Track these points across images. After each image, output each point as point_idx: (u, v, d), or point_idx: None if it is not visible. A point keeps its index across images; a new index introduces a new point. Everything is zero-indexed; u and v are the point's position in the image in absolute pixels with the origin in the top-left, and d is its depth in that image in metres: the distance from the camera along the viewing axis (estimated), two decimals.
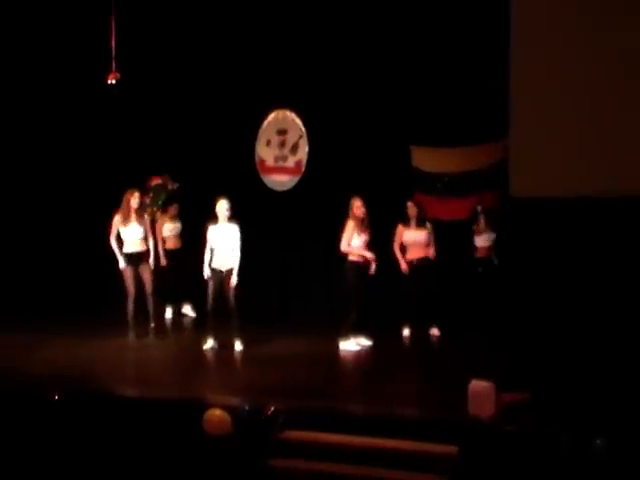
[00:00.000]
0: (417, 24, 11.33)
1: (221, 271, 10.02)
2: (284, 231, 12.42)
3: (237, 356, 9.91)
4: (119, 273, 10.66)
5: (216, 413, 7.19)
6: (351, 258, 10.11)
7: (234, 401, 7.73)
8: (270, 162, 12.80)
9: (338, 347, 10.05)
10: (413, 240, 10.74)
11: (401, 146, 11.72)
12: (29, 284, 12.88)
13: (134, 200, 10.55)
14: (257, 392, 8.09)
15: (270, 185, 12.75)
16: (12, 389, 8.17)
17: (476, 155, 11.34)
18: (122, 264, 10.56)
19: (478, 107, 10.99)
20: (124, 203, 10.54)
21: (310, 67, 11.97)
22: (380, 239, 10.47)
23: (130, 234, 10.54)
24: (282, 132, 12.72)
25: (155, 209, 12.57)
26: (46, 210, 13.21)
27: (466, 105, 11.21)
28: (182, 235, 12.39)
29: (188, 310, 12.53)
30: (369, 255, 10.09)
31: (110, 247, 10.58)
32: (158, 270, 11.34)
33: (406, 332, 10.76)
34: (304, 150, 12.55)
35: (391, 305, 11.08)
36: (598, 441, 6.27)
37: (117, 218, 10.54)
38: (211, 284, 10.06)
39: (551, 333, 9.17)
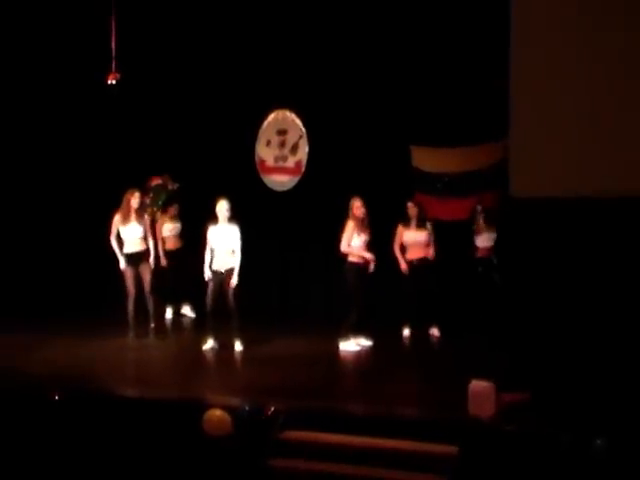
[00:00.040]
0: (417, 24, 11.33)
1: (221, 272, 10.02)
2: (284, 231, 12.42)
3: (237, 356, 9.91)
4: (119, 273, 10.66)
5: (216, 413, 7.19)
6: (351, 258, 10.11)
7: (234, 401, 7.73)
8: (270, 162, 12.80)
9: (338, 347, 10.04)
10: (413, 240, 10.73)
11: (401, 146, 11.72)
12: (29, 284, 12.87)
13: (134, 200, 10.55)
14: (257, 392, 8.09)
15: (270, 185, 12.75)
16: (12, 389, 8.17)
17: (476, 155, 11.34)
18: (122, 264, 10.57)
19: (478, 107, 10.99)
20: (124, 203, 10.54)
21: (310, 67, 11.97)
22: (380, 239, 10.46)
23: (130, 234, 10.54)
24: (282, 132, 12.72)
25: (155, 209, 12.57)
26: (46, 210, 13.21)
27: (466, 105, 11.20)
28: (182, 235, 12.38)
29: (187, 310, 12.52)
30: (369, 256, 10.09)
31: (110, 247, 10.58)
32: (158, 270, 11.34)
33: (406, 332, 10.75)
34: (304, 150, 12.55)
35: (391, 305, 11.07)
36: (598, 441, 6.27)
37: (117, 217, 10.54)
38: (211, 285, 10.06)
39: (551, 333, 9.18)
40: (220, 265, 10.02)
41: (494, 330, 9.89)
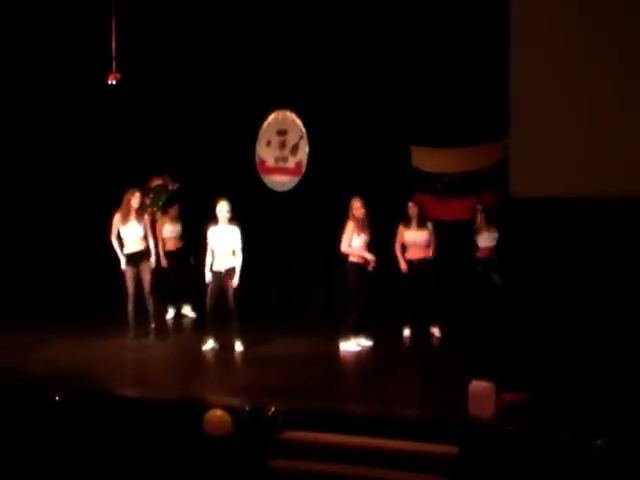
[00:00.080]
0: (417, 24, 11.33)
1: (221, 272, 10.02)
2: (284, 232, 12.42)
3: (237, 356, 9.91)
4: (120, 273, 10.66)
5: (216, 414, 7.20)
6: (351, 259, 10.11)
7: (234, 401, 7.73)
8: (270, 163, 12.80)
9: (338, 347, 10.04)
10: (414, 240, 10.73)
11: (401, 146, 11.73)
12: (29, 284, 12.87)
13: (135, 200, 10.55)
14: (257, 392, 8.09)
15: (270, 186, 12.75)
16: (12, 389, 8.17)
17: (476, 155, 11.34)
18: (123, 265, 10.57)
19: (478, 107, 11.00)
20: (124, 202, 10.54)
21: (310, 67, 11.97)
22: (380, 239, 10.46)
23: (129, 233, 10.54)
24: (282, 133, 12.72)
25: (155, 209, 12.58)
26: (47, 210, 13.21)
27: (466, 105, 11.21)
28: (183, 237, 12.38)
29: (188, 311, 12.52)
30: (369, 256, 10.08)
31: (111, 246, 10.59)
32: (159, 271, 11.35)
33: (406, 332, 10.76)
34: (304, 151, 12.55)
35: (391, 305, 11.08)
36: (598, 441, 6.27)
37: (117, 217, 10.54)
38: (211, 285, 10.05)
39: (551, 333, 9.17)
40: (220, 265, 10.02)
41: (494, 330, 9.89)
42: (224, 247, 10.01)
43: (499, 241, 10.99)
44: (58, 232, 13.11)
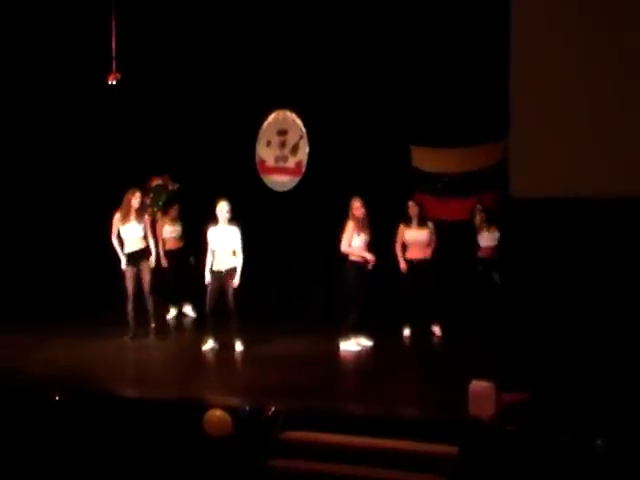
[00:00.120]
0: (417, 24, 11.33)
1: (221, 272, 10.01)
2: (284, 231, 12.42)
3: (237, 356, 9.91)
4: (120, 273, 10.66)
5: (216, 414, 7.19)
6: (351, 258, 10.11)
7: (234, 401, 7.73)
8: (270, 162, 12.80)
9: (338, 347, 10.05)
10: (414, 239, 10.73)
11: (401, 146, 11.73)
12: (29, 284, 12.87)
13: (135, 200, 10.55)
14: (257, 392, 8.09)
15: (270, 185, 12.76)
16: (12, 389, 8.17)
17: (476, 155, 11.34)
18: (124, 264, 10.57)
19: (478, 107, 11.00)
20: (125, 202, 10.54)
21: (310, 67, 11.98)
22: (380, 239, 10.46)
23: (129, 233, 10.54)
24: (282, 133, 12.72)
25: (155, 209, 12.58)
26: (47, 210, 13.21)
27: (466, 105, 11.21)
28: (183, 237, 12.38)
29: (189, 310, 12.52)
30: (369, 256, 10.09)
31: (111, 246, 10.59)
32: (159, 271, 11.35)
33: (406, 332, 10.76)
34: (304, 150, 12.55)
35: (391, 305, 11.08)
36: (598, 441, 6.27)
37: (117, 217, 10.55)
38: (211, 285, 10.05)
39: (551, 333, 9.17)
40: (220, 265, 10.02)
41: (494, 330, 9.89)
42: (224, 247, 10.01)
43: (500, 241, 10.98)
44: (58, 232, 13.12)
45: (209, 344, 10.07)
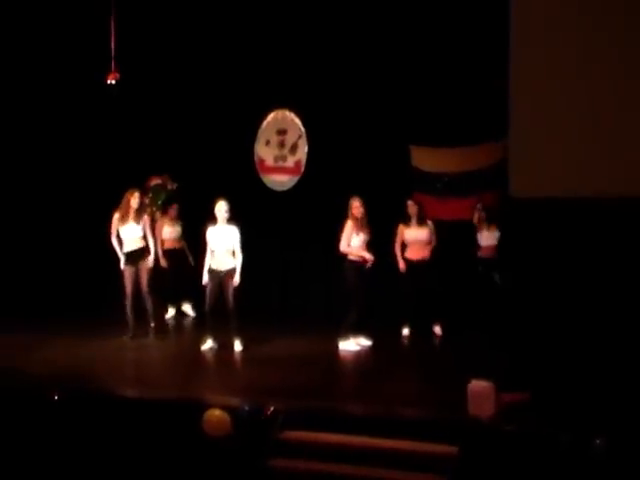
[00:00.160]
0: (417, 24, 11.34)
1: (220, 271, 10.01)
2: (284, 231, 12.42)
3: (237, 356, 9.90)
4: (120, 272, 10.66)
5: (216, 413, 7.19)
6: (350, 258, 10.10)
7: (234, 401, 7.72)
8: (269, 162, 12.80)
9: (338, 347, 10.04)
10: (414, 238, 10.71)
11: (400, 146, 11.73)
12: (29, 284, 12.87)
13: (134, 200, 10.54)
14: (257, 392, 8.08)
15: (269, 185, 12.76)
16: (12, 389, 8.17)
17: (476, 155, 11.34)
18: (122, 264, 10.57)
19: (478, 107, 11.00)
20: (124, 202, 10.53)
21: (310, 67, 11.98)
22: (380, 239, 10.46)
23: (128, 233, 10.53)
24: (281, 132, 12.72)
25: (154, 209, 12.57)
26: (46, 210, 13.21)
27: (466, 105, 11.21)
28: (182, 236, 12.37)
29: (188, 309, 12.52)
30: (368, 256, 10.08)
31: (111, 246, 10.59)
32: (158, 270, 11.35)
33: (405, 331, 10.75)
34: (303, 150, 12.55)
35: (391, 305, 11.08)
36: (598, 441, 6.27)
37: (116, 216, 10.54)
38: (210, 285, 10.05)
39: (551, 333, 9.19)
40: (219, 265, 10.01)
41: (494, 329, 9.89)
42: (223, 247, 10.00)
43: (500, 240, 10.96)
44: (58, 232, 13.11)
45: (208, 344, 10.07)
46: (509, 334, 9.48)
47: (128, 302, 10.64)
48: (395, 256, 10.75)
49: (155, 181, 12.87)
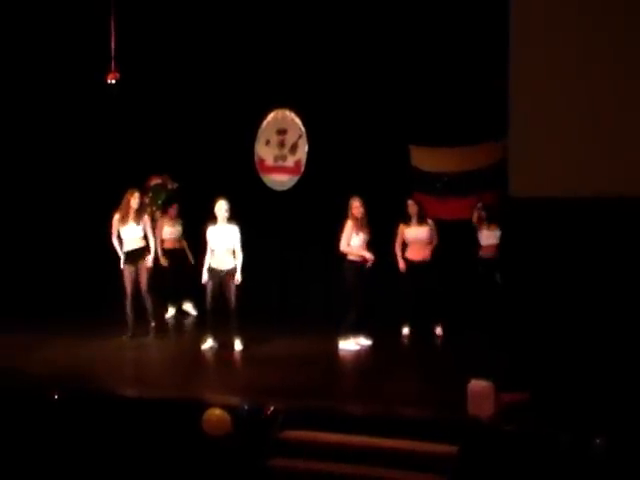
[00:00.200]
0: (417, 24, 11.33)
1: (220, 270, 10.01)
2: (283, 231, 12.42)
3: (237, 356, 9.90)
4: (120, 272, 10.66)
5: (215, 413, 7.19)
6: (350, 258, 10.11)
7: (234, 401, 7.72)
8: (269, 162, 12.80)
9: (337, 347, 10.05)
10: (414, 237, 10.70)
11: (400, 146, 11.73)
12: (29, 284, 12.87)
13: (134, 200, 10.54)
14: (257, 392, 8.08)
15: (269, 185, 12.76)
16: (12, 389, 8.17)
17: (475, 155, 11.34)
18: (122, 264, 10.57)
19: (478, 107, 10.99)
20: (124, 203, 10.53)
21: (310, 67, 11.98)
22: (380, 239, 10.46)
23: (128, 234, 10.54)
24: (281, 132, 12.72)
25: (154, 209, 12.57)
26: (46, 210, 13.21)
27: (466, 105, 11.20)
28: (182, 236, 12.37)
29: (189, 308, 12.52)
30: (368, 255, 10.09)
31: (111, 246, 10.59)
32: (158, 270, 11.35)
33: (405, 331, 10.75)
34: (303, 150, 12.56)
35: (390, 305, 11.08)
36: (598, 441, 6.27)
37: (116, 217, 10.55)
38: (210, 283, 10.06)
39: (551, 333, 9.18)
40: (219, 264, 10.01)
41: (494, 329, 9.89)
42: (223, 246, 10.01)
43: (501, 239, 10.93)
44: (58, 232, 13.11)
45: (208, 343, 10.07)
46: (509, 334, 9.47)
47: (128, 301, 10.65)
48: (395, 256, 10.75)
49: (155, 181, 12.87)
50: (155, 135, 12.85)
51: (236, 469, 7.05)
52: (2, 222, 13.10)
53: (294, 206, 12.34)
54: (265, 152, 12.82)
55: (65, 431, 7.57)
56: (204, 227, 10.11)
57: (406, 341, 10.65)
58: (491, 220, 10.99)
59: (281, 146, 12.71)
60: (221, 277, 10.01)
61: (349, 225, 10.07)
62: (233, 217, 10.08)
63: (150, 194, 12.66)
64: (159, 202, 12.75)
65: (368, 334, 10.25)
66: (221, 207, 9.99)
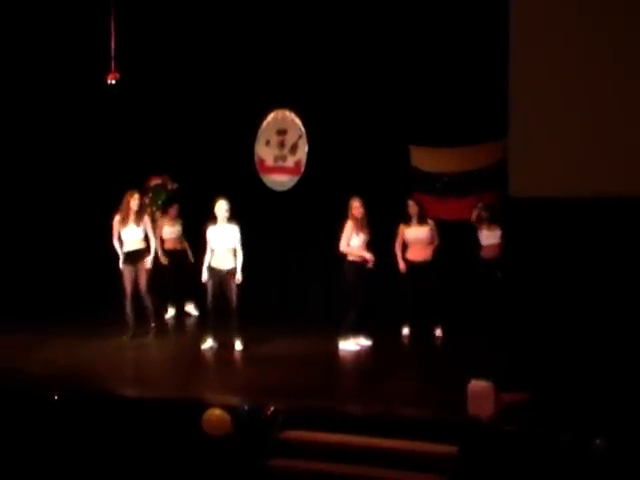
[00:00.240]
0: (417, 24, 11.33)
1: (220, 270, 10.02)
2: (283, 231, 12.42)
3: (237, 356, 9.91)
4: (119, 273, 10.66)
5: (215, 413, 7.20)
6: (350, 258, 10.11)
7: (234, 401, 7.73)
8: (269, 162, 12.80)
9: (337, 347, 10.04)
10: (415, 237, 10.68)
11: (400, 146, 11.72)
12: (29, 284, 12.87)
13: (134, 202, 10.54)
14: (257, 392, 8.09)
15: (269, 185, 12.75)
16: (12, 389, 8.17)
17: (475, 155, 11.33)
18: (120, 264, 10.57)
19: (478, 107, 10.99)
20: (124, 204, 10.53)
21: (310, 67, 11.97)
22: (380, 239, 10.46)
23: (128, 235, 10.53)
24: (281, 132, 12.72)
25: (154, 209, 12.57)
26: (46, 210, 13.21)
27: (466, 105, 11.20)
28: (183, 236, 12.36)
29: (191, 309, 12.52)
30: (368, 256, 10.08)
31: (112, 247, 10.59)
32: (159, 270, 11.35)
33: (405, 331, 10.75)
34: (303, 150, 12.55)
35: (390, 305, 11.07)
36: (598, 441, 6.27)
37: (117, 219, 10.55)
38: (210, 283, 10.06)
39: (550, 333, 9.18)
40: (219, 264, 10.02)
41: (494, 330, 9.89)
42: (224, 246, 10.01)
43: (502, 239, 10.87)
44: (58, 232, 13.11)
45: (208, 343, 10.07)
46: (509, 334, 9.47)
47: (127, 302, 10.64)
48: (395, 256, 10.75)
49: (155, 181, 12.87)
50: (155, 135, 12.85)
51: (236, 469, 7.05)
52: (2, 222, 13.10)
53: (294, 206, 12.33)
54: (265, 152, 12.82)
55: (65, 431, 7.57)
56: (204, 227, 10.11)
57: (406, 341, 10.65)
58: (492, 220, 10.93)
59: (281, 146, 12.71)
60: (221, 277, 10.02)
61: (349, 225, 10.07)
62: (233, 217, 10.09)
63: (150, 194, 12.66)
64: (159, 202, 12.75)
65: (368, 334, 10.25)
66: (221, 207, 10.00)
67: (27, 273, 13.07)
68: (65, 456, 7.42)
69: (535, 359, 8.45)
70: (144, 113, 12.97)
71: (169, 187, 12.88)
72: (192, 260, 12.02)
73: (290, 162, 12.66)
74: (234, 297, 10.00)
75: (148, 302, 10.72)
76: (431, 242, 10.72)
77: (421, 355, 10.10)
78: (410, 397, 8.03)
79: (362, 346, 10.16)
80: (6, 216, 13.11)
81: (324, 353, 9.90)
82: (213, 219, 10.07)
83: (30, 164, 13.23)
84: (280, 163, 12.71)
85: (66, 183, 13.24)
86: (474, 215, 10.97)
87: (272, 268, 12.67)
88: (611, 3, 7.96)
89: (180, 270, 12.11)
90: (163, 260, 11.86)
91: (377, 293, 10.85)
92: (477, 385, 7.06)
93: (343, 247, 10.09)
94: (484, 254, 10.92)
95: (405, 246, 10.76)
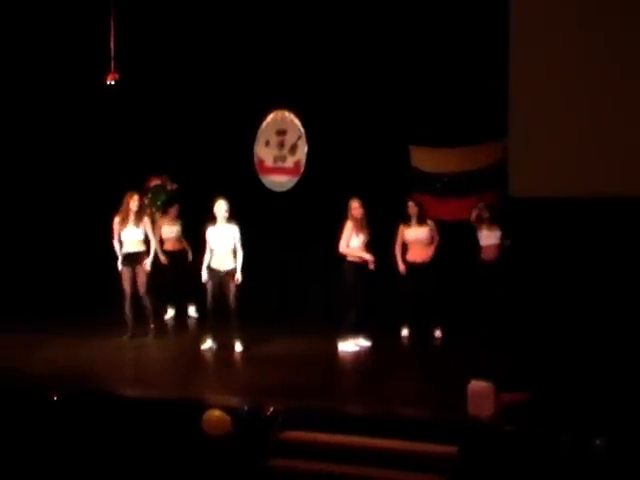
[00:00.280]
0: (416, 24, 11.33)
1: (220, 270, 10.02)
2: (283, 231, 12.42)
3: (237, 356, 9.91)
4: (119, 273, 10.66)
5: (215, 413, 7.20)
6: (350, 258, 10.10)
7: (233, 401, 7.73)
8: (269, 162, 12.80)
9: (337, 347, 10.04)
10: (414, 238, 10.66)
11: (400, 146, 11.72)
12: (29, 284, 12.87)
13: (133, 203, 10.55)
14: (256, 392, 8.09)
15: (269, 185, 12.75)
16: (12, 389, 8.17)
17: (476, 155, 11.32)
18: (119, 265, 10.57)
19: (478, 107, 10.99)
20: (123, 205, 10.54)
21: (309, 67, 11.97)
22: (379, 239, 10.46)
23: (128, 236, 10.54)
24: (281, 132, 12.72)
25: (154, 210, 12.56)
26: (46, 210, 13.21)
27: (466, 105, 11.20)
28: (182, 237, 12.36)
29: (192, 312, 12.47)
30: (367, 256, 10.08)
31: (111, 247, 10.60)
32: (158, 270, 11.34)
33: (405, 332, 10.75)
34: (303, 150, 12.55)
35: (390, 305, 11.07)
36: (598, 441, 6.27)
37: (116, 220, 10.55)
38: (210, 284, 10.06)
39: (550, 333, 9.18)
40: (219, 264, 10.02)
41: (494, 330, 9.88)
42: (223, 246, 10.02)
43: (501, 240, 10.84)
44: (58, 232, 13.11)
45: (208, 343, 10.07)
46: (509, 334, 9.47)
47: (126, 302, 10.65)
48: (395, 257, 10.73)
49: (155, 182, 12.86)
50: (154, 136, 12.85)
51: (236, 469, 7.05)
52: (2, 223, 13.09)
53: (294, 207, 12.33)
54: (265, 153, 12.81)
55: (65, 431, 7.57)
56: (204, 227, 10.11)
57: (406, 342, 10.65)
58: (493, 220, 10.91)
59: (280, 147, 12.71)
60: (221, 277, 10.02)
61: (349, 226, 10.07)
62: (233, 217, 10.08)
63: (150, 195, 12.65)
64: (159, 203, 12.74)
65: (368, 335, 10.25)
66: (221, 207, 10.00)
67: (27, 273, 13.07)
68: (65, 456, 7.42)
69: (535, 359, 8.45)
70: (143, 113, 12.97)
71: (169, 188, 12.87)
72: (191, 258, 12.01)
73: (289, 162, 12.66)
74: (233, 297, 10.00)
75: (147, 302, 10.72)
76: (430, 243, 10.70)
77: (421, 355, 10.10)
78: (410, 397, 8.03)
79: (362, 347, 10.15)
80: (6, 217, 13.11)
81: (324, 353, 9.91)
82: (213, 219, 10.07)
83: (30, 164, 13.23)
84: (279, 163, 12.71)
85: (66, 184, 13.24)
86: (474, 215, 10.96)
87: (272, 268, 12.66)
88: (611, 3, 7.96)
89: (180, 270, 12.10)
90: (163, 260, 11.86)
91: (377, 294, 10.84)
92: (477, 385, 7.07)
93: (343, 248, 10.09)
94: (484, 254, 10.91)
95: (405, 247, 10.74)
